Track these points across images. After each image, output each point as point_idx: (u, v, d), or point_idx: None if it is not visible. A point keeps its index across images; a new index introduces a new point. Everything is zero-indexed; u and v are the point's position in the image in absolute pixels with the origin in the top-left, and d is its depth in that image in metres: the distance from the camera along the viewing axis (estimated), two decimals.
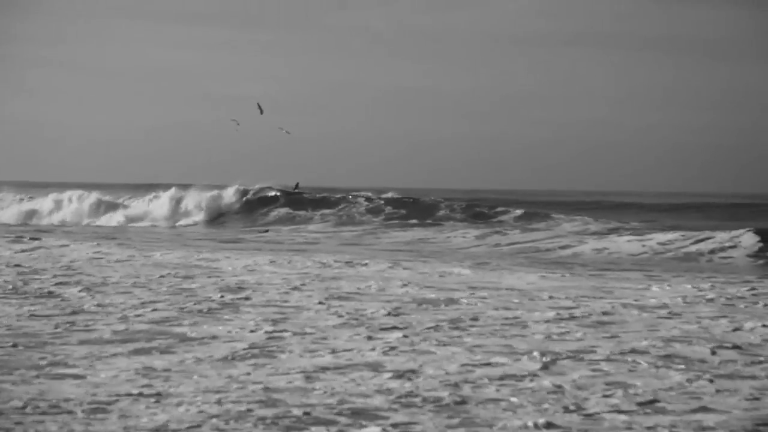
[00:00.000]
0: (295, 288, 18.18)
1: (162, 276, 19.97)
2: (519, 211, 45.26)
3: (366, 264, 23.67)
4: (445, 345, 12.41)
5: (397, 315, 14.94)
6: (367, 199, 49.21)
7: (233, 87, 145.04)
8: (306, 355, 11.66)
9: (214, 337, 12.77)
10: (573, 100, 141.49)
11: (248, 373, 10.66)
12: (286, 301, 16.32)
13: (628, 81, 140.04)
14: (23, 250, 26.49)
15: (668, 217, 47.53)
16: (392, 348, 12.15)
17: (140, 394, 9.71)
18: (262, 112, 33.57)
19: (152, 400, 9.54)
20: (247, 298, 16.57)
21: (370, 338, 12.84)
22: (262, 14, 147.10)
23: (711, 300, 17.10)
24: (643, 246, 31.19)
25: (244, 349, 11.93)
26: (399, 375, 10.67)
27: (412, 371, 10.85)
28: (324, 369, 10.92)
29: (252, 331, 13.23)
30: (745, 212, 44.51)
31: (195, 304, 15.77)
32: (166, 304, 15.75)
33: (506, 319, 14.58)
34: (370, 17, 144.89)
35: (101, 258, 24.44)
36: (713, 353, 12.04)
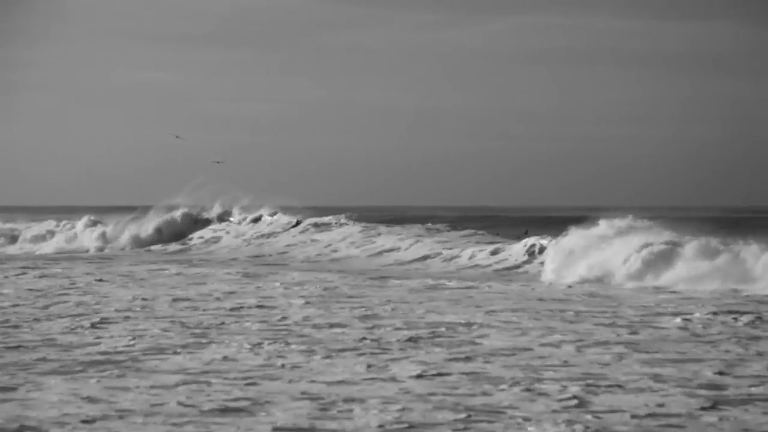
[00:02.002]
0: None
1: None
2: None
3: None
4: None
5: None
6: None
7: (220, 107, 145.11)
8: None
9: None
10: (563, 116, 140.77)
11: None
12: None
13: (615, 96, 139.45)
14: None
15: None
16: None
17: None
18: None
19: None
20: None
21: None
22: (250, 34, 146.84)
23: None
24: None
25: None
26: None
27: None
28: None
29: None
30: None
31: None
32: None
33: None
34: (364, 37, 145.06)
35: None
36: None
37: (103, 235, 46.09)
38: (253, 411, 9.70)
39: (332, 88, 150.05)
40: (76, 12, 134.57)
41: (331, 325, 15.67)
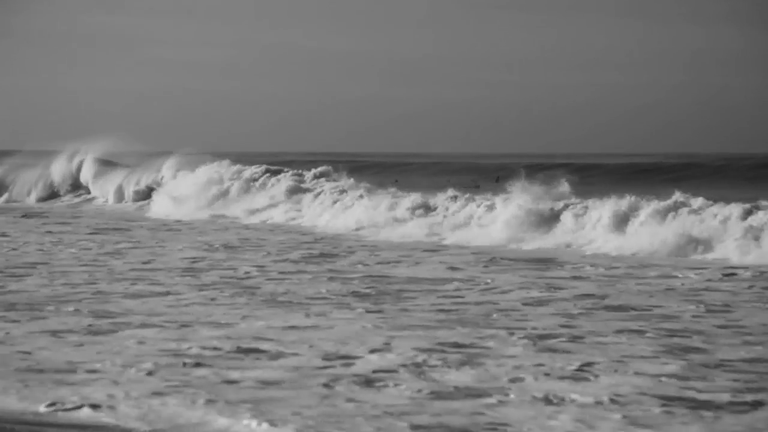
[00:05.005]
0: None
1: None
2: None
3: None
4: None
5: None
6: None
7: (175, 51, 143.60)
8: None
9: None
10: (502, 61, 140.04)
11: None
12: None
13: (548, 41, 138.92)
14: None
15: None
16: None
17: None
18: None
19: None
20: None
21: None
22: None
23: None
24: None
25: None
26: None
27: None
28: None
29: None
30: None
31: None
32: None
33: None
34: None
35: None
36: None
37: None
38: None
39: (272, 32, 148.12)
40: None
41: None
